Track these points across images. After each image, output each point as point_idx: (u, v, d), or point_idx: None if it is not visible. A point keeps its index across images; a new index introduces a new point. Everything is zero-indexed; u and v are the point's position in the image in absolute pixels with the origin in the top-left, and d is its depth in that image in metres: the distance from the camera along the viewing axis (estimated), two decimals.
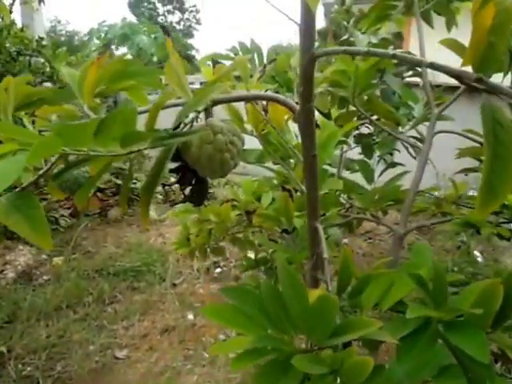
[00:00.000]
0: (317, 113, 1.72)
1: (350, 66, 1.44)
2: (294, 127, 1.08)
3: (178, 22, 36.68)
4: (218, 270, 4.07)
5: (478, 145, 1.59)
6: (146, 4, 35.39)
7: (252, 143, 1.31)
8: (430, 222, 1.44)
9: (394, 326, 0.66)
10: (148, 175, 0.75)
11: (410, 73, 2.29)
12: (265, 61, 1.66)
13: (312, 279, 1.08)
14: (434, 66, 0.60)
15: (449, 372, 0.77)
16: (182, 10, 36.77)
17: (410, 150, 2.12)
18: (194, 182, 0.87)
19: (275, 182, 1.56)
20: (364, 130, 2.20)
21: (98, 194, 5.36)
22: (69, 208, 4.76)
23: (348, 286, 0.84)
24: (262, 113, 1.02)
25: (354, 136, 2.38)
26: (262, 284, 0.68)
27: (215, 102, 0.80)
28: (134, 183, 6.12)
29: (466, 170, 1.52)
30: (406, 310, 0.85)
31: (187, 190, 0.90)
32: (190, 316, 3.36)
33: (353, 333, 0.62)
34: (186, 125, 0.75)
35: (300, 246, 1.32)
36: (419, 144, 1.73)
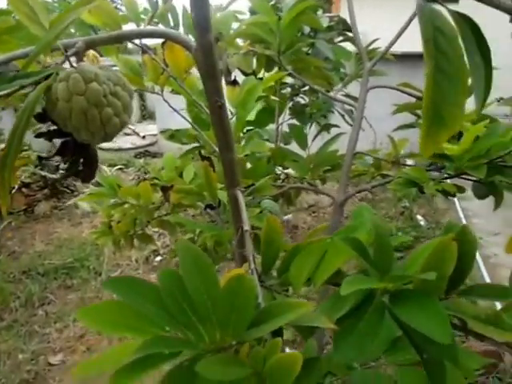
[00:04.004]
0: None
1: (272, 17, 1.28)
2: None
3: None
4: (158, 258, 3.86)
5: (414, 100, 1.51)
6: None
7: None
8: (370, 185, 1.33)
9: (331, 305, 0.52)
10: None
11: (341, 38, 2.23)
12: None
13: (240, 257, 0.93)
14: None
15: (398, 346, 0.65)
16: None
17: (347, 118, 2.03)
18: (76, 150, 0.69)
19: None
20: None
21: (23, 189, 4.94)
22: None
23: (275, 260, 0.70)
24: (162, 64, 0.84)
25: (290, 108, 2.27)
26: (160, 272, 0.52)
27: (90, 43, 0.62)
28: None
29: (404, 127, 1.42)
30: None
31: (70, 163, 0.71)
32: None
33: (277, 320, 0.47)
34: (47, 77, 0.56)
35: (229, 221, 1.17)
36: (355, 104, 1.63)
